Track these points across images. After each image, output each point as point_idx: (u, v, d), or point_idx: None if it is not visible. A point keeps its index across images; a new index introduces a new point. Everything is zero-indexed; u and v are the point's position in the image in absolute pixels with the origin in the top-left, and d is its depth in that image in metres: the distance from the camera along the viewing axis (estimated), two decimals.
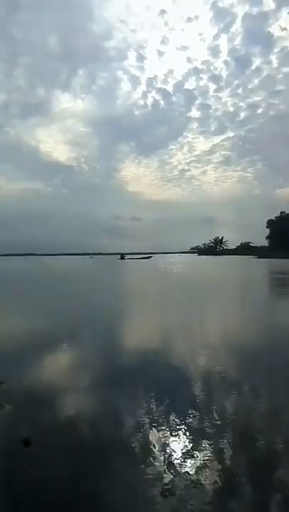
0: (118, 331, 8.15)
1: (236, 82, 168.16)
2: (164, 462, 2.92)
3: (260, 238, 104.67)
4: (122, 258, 76.31)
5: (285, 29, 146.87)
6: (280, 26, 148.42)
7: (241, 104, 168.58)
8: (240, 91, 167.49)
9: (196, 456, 3.00)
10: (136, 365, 5.49)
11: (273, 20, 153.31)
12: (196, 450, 3.09)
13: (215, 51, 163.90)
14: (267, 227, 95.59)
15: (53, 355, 6.04)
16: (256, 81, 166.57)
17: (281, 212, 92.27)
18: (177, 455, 3.02)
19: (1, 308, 12.01)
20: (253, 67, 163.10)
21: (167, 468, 2.84)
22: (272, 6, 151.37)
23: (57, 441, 3.23)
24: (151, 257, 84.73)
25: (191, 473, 2.78)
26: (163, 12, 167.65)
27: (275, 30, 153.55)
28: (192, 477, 2.73)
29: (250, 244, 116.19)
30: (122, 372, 5.18)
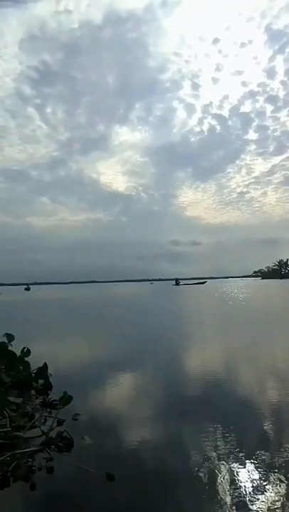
0: (182, 359, 8.10)
1: None
2: (234, 498, 2.83)
3: None
4: (177, 284, 75.89)
5: None
6: None
7: None
8: None
9: (266, 493, 2.86)
10: (205, 393, 5.41)
11: None
12: (267, 486, 2.94)
13: (271, 73, 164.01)
14: None
15: (125, 383, 6.19)
16: None
17: None
18: (247, 491, 2.91)
19: (72, 335, 12.60)
20: None
21: (237, 504, 2.75)
22: None
23: (136, 474, 3.26)
24: (205, 282, 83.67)
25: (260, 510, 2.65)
26: (216, 41, 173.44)
27: None
28: None
29: None
30: (191, 400, 5.14)
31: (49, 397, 5.06)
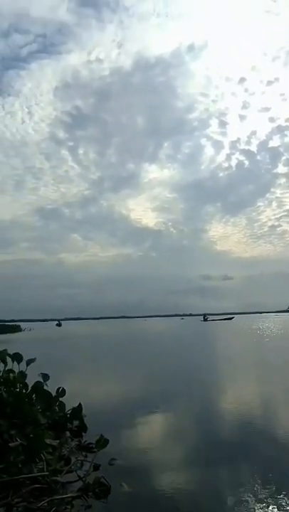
0: (214, 399, 7.82)
1: None
2: None
3: None
4: (205, 319, 74.90)
5: None
6: None
7: None
8: None
9: None
10: (240, 435, 5.19)
11: None
12: None
13: None
14: None
15: (159, 425, 6.08)
16: None
17: None
18: None
19: (105, 373, 12.54)
20: None
21: None
22: None
23: None
24: (233, 317, 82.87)
25: None
26: (242, 80, 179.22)
27: None
28: None
29: None
30: (226, 443, 4.94)
31: (84, 439, 5.03)
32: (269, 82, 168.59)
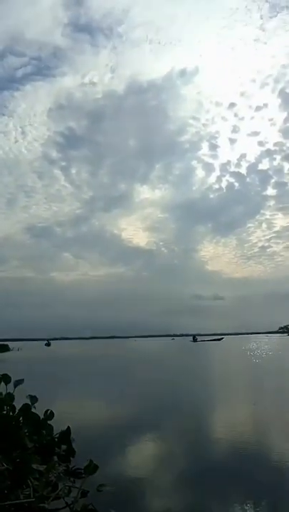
0: (203, 421, 7.72)
1: None
2: None
3: None
4: (195, 340, 74.80)
5: None
6: None
7: None
8: None
9: None
10: (230, 460, 5.12)
11: None
12: None
13: (287, 133, 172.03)
14: None
15: (150, 449, 5.98)
16: None
17: None
18: None
19: (94, 394, 12.31)
20: None
21: None
22: None
23: None
24: (222, 338, 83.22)
25: None
26: (232, 105, 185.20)
27: None
28: None
29: None
30: (216, 468, 4.88)
31: (72, 464, 4.90)
32: (258, 108, 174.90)
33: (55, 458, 5.07)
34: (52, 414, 5.52)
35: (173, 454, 5.70)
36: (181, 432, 7.03)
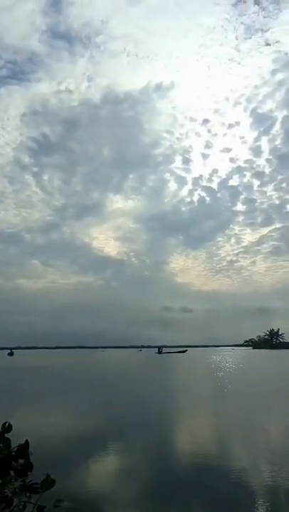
0: (165, 433, 7.73)
1: (280, 177, 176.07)
2: None
3: None
4: (160, 352, 75.59)
5: None
6: None
7: (287, 197, 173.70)
8: (284, 185, 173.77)
9: None
10: (191, 470, 5.16)
11: None
12: None
13: (257, 151, 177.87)
14: None
15: (110, 463, 5.90)
16: None
17: None
18: None
19: (55, 406, 12.00)
20: None
21: None
22: None
23: None
24: (186, 350, 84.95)
25: None
26: (206, 121, 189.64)
27: None
28: None
29: None
30: (178, 479, 4.88)
31: (29, 479, 4.76)
32: (230, 125, 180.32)
33: (12, 472, 4.92)
34: (10, 427, 5.35)
35: (133, 467, 5.67)
36: (140, 443, 7.00)
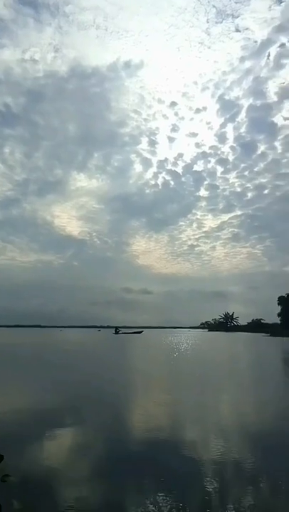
0: (118, 410, 7.91)
1: (243, 165, 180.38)
2: None
3: (271, 315, 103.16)
4: (117, 332, 76.96)
5: (288, 119, 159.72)
6: (282, 117, 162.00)
7: (248, 185, 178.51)
8: (246, 173, 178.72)
9: None
10: (143, 447, 5.31)
11: (276, 111, 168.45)
12: None
13: (222, 138, 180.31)
14: (278, 304, 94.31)
15: (63, 438, 5.90)
16: (262, 164, 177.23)
17: None
18: None
19: (6, 383, 11.80)
20: (259, 152, 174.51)
21: None
22: (275, 98, 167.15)
23: None
24: (142, 331, 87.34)
25: None
26: (173, 104, 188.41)
27: (278, 120, 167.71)
28: None
29: (262, 321, 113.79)
30: (130, 456, 5.01)
31: None
32: (198, 110, 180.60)
33: None
34: None
35: (85, 444, 5.71)
36: (94, 421, 7.08)
